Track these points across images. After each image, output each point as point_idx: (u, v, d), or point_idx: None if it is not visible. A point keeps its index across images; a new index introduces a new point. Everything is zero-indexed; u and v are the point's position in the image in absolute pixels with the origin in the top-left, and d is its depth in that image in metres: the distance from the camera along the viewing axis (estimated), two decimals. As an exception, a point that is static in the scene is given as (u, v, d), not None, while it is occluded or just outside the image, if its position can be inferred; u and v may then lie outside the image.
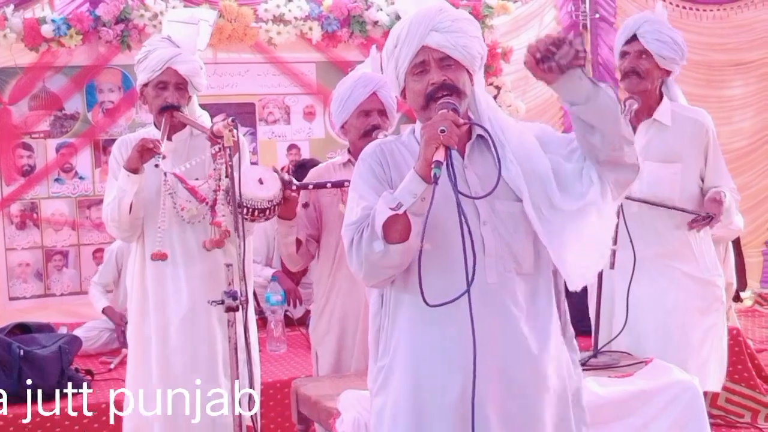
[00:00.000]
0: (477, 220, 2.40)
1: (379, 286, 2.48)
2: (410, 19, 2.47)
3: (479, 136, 2.50)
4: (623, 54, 4.04)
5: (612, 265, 3.96)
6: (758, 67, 8.49)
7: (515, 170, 2.44)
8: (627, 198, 3.90)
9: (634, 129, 4.04)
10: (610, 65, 8.07)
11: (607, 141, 2.35)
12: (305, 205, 3.76)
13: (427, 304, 2.24)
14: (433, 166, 2.21)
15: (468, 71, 2.49)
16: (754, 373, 5.41)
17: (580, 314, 3.86)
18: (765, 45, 8.48)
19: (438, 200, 2.26)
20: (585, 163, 2.43)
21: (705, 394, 3.99)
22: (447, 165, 2.23)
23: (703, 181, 4.06)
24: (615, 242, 3.89)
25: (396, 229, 2.28)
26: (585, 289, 3.37)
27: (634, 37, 3.99)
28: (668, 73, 4.04)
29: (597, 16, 8.05)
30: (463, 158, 2.47)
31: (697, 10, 8.09)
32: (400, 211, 2.25)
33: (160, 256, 3.67)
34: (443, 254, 2.37)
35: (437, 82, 2.43)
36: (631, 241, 3.80)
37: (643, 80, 3.98)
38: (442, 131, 2.23)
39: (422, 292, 2.23)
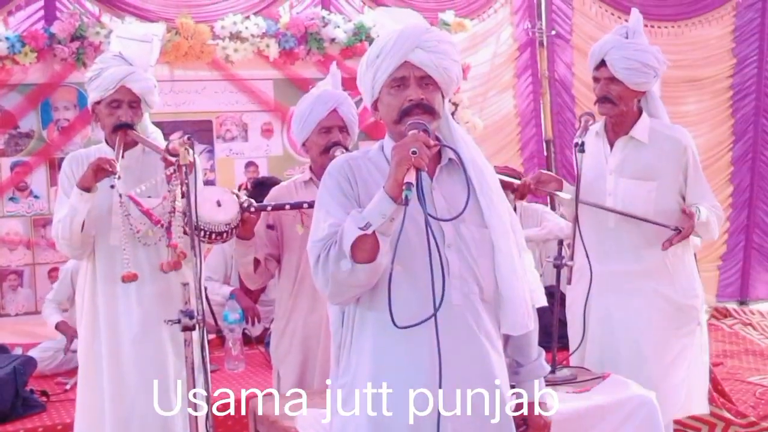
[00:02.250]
0: (442, 242, 2.40)
1: (344, 303, 2.47)
2: (398, 32, 2.47)
3: (450, 159, 2.50)
4: (595, 79, 4.01)
5: (569, 281, 3.99)
6: (712, 84, 8.57)
7: (485, 198, 2.48)
8: (598, 207, 3.94)
9: (611, 144, 4.05)
10: (566, 82, 8.14)
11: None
12: (271, 228, 3.74)
13: (396, 325, 2.24)
14: (404, 187, 2.20)
15: (443, 94, 2.50)
16: (710, 387, 5.42)
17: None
18: (718, 62, 8.58)
19: (404, 221, 2.25)
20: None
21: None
22: (417, 187, 2.22)
23: (684, 199, 4.01)
24: (572, 258, 3.91)
25: (364, 248, 2.27)
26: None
27: (603, 63, 3.94)
28: (644, 92, 4.01)
29: (553, 33, 8.09)
30: (431, 180, 2.47)
31: (652, 27, 8.15)
32: (369, 231, 2.25)
33: (130, 277, 3.60)
34: (408, 275, 2.37)
35: (415, 100, 2.44)
36: (587, 256, 3.82)
37: (616, 106, 3.94)
38: (414, 153, 2.22)
39: (392, 314, 2.23)
